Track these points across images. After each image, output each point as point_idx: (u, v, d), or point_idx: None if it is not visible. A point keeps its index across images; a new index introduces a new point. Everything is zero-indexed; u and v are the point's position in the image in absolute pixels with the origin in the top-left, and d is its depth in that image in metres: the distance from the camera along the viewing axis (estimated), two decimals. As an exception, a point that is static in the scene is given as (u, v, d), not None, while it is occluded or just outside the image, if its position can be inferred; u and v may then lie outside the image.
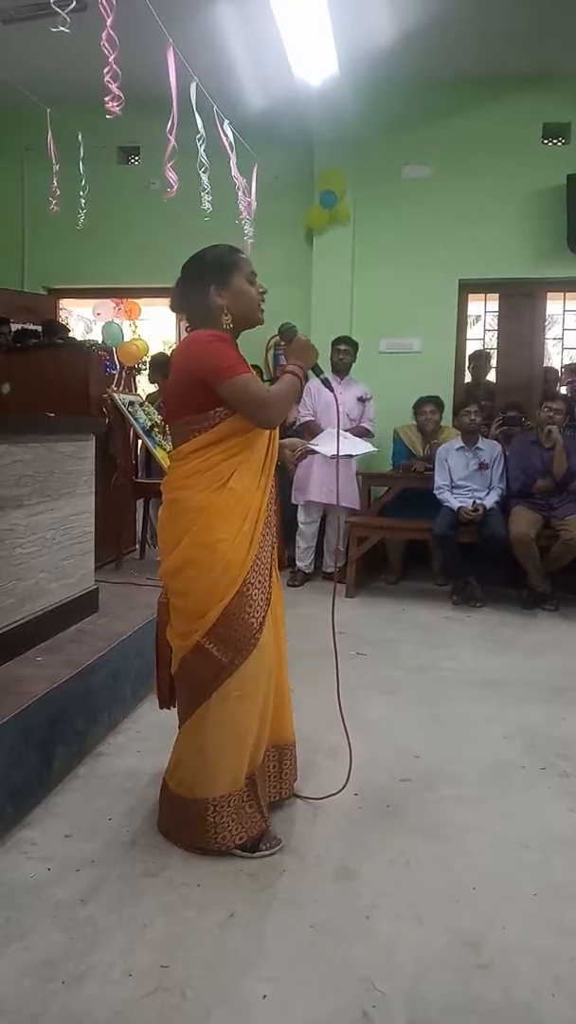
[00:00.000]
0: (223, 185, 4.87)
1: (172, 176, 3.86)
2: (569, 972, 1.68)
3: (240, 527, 2.02)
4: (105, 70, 3.21)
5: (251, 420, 2.01)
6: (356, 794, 2.44)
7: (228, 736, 2.05)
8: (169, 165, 3.84)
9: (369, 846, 2.17)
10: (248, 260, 2.14)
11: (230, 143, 4.66)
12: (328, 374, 2.35)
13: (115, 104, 3.26)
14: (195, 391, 1.99)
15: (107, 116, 3.26)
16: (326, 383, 2.30)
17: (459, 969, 1.68)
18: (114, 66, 3.21)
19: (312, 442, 2.68)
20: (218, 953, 1.72)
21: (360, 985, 1.63)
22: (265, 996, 1.59)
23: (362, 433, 5.37)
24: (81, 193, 4.84)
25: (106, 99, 3.25)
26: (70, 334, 6.36)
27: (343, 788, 2.37)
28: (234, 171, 4.80)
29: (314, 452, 2.61)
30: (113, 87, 3.24)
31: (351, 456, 2.92)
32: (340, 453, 2.42)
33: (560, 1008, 1.58)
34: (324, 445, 2.71)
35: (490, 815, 2.36)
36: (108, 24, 3.14)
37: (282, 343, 2.30)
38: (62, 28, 3.05)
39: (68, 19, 3.04)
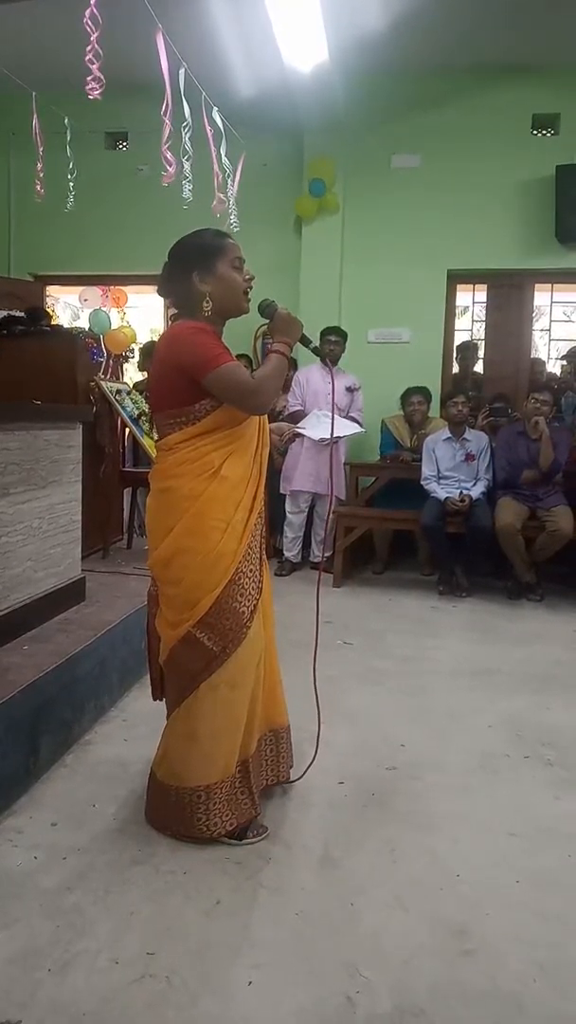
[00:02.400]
0: (212, 172, 4.84)
1: (169, 157, 3.83)
2: (553, 958, 1.70)
3: (233, 515, 2.01)
4: (87, 49, 3.15)
5: (240, 408, 1.99)
6: (342, 783, 2.45)
7: (221, 724, 2.05)
8: (165, 148, 3.80)
9: (355, 834, 2.18)
10: (236, 245, 2.08)
11: (219, 130, 4.62)
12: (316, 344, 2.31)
13: (96, 87, 3.21)
14: (179, 384, 1.97)
15: (88, 98, 3.21)
16: (316, 351, 2.26)
17: (444, 956, 1.70)
18: (96, 46, 3.15)
19: (299, 426, 2.65)
20: (204, 941, 1.72)
21: (345, 972, 1.64)
22: (251, 983, 1.60)
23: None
24: (69, 177, 4.80)
25: (87, 79, 3.19)
26: (53, 321, 6.30)
27: (309, 766, 2.38)
28: (224, 159, 4.77)
29: (301, 436, 2.58)
30: (94, 68, 3.18)
31: (340, 438, 2.89)
32: (327, 435, 2.39)
33: (544, 993, 1.59)
34: (311, 428, 2.68)
35: (475, 804, 2.38)
36: (92, 3, 3.08)
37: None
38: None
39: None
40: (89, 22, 3.11)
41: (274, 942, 1.73)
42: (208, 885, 1.92)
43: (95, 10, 3.11)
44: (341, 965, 1.66)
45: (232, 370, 1.94)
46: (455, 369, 6.64)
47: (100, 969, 1.63)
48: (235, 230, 5.21)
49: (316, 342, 2.29)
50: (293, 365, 5.83)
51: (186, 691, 2.05)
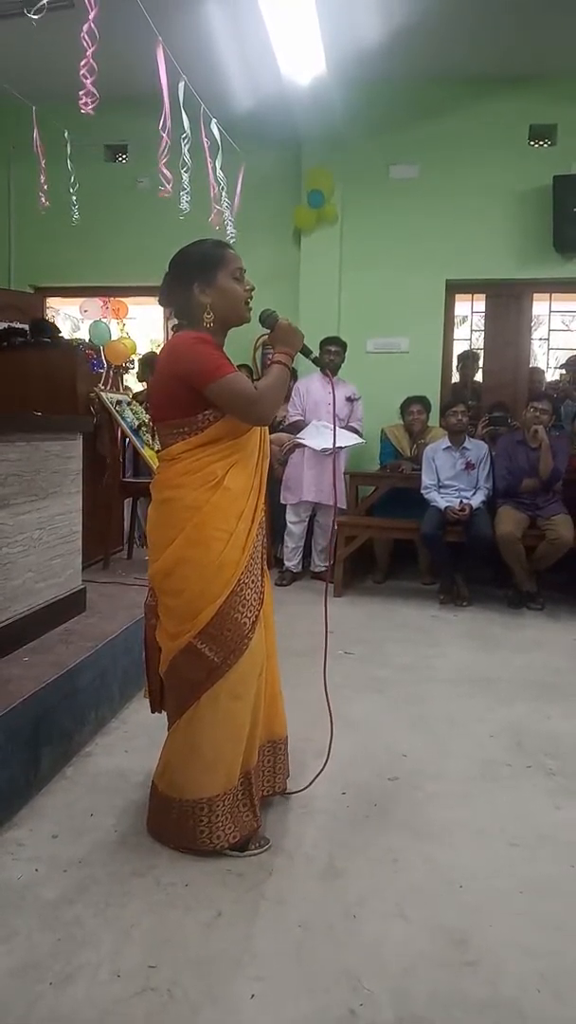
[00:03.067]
0: (209, 185, 4.86)
1: (165, 173, 3.85)
2: (554, 967, 1.69)
3: (235, 526, 2.01)
4: (81, 63, 3.17)
5: (242, 419, 2.00)
6: (344, 793, 2.45)
7: (223, 736, 2.05)
8: (162, 163, 3.82)
9: (356, 844, 2.17)
10: (236, 256, 2.09)
11: (216, 143, 4.65)
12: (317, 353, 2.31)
13: (90, 101, 3.22)
14: (181, 394, 1.98)
15: (81, 111, 3.23)
16: (317, 362, 2.26)
17: (446, 966, 1.69)
18: (91, 60, 3.17)
19: (299, 436, 2.66)
20: (206, 953, 1.72)
21: (347, 983, 1.63)
22: (253, 995, 1.60)
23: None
24: (72, 190, 4.82)
25: (80, 93, 3.21)
26: (59, 334, 6.32)
27: (317, 776, 2.38)
28: (219, 172, 4.79)
29: (302, 446, 2.58)
30: (88, 83, 3.20)
31: (341, 448, 2.89)
32: (328, 445, 2.40)
33: (545, 1003, 1.59)
34: (312, 438, 2.68)
35: (477, 813, 2.37)
36: (91, 18, 3.10)
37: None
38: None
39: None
40: (86, 36, 3.13)
41: (276, 954, 1.72)
42: (209, 897, 1.92)
43: (92, 25, 3.13)
44: (343, 976, 1.65)
45: (234, 380, 1.95)
46: (456, 378, 6.65)
47: (101, 982, 1.62)
48: (232, 240, 5.23)
49: (316, 352, 2.29)
50: (293, 375, 5.85)
51: (187, 702, 2.05)
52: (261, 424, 2.08)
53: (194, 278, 2.04)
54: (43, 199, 4.64)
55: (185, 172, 4.34)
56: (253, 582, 2.07)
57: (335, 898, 1.93)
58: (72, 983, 1.61)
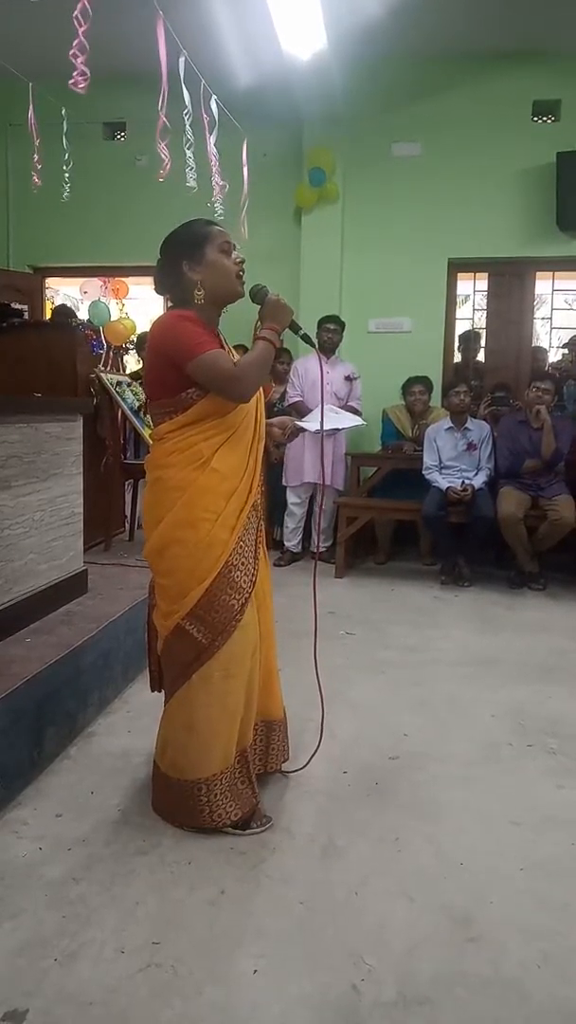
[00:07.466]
0: (209, 161, 4.79)
1: (164, 153, 3.80)
2: (555, 946, 1.70)
3: (223, 507, 2.01)
4: (74, 43, 3.12)
5: (224, 396, 1.98)
6: (345, 772, 2.46)
7: (217, 714, 2.06)
8: (163, 144, 3.77)
9: (358, 824, 2.18)
10: (223, 231, 2.08)
11: (215, 120, 4.58)
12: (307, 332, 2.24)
13: (82, 80, 3.18)
14: (166, 373, 1.98)
15: (77, 90, 3.19)
16: (306, 338, 2.22)
17: (448, 944, 1.70)
18: (83, 39, 3.12)
19: (301, 420, 2.64)
20: (209, 930, 1.73)
21: (350, 960, 1.65)
22: (256, 972, 1.61)
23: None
24: (64, 168, 4.76)
25: (74, 74, 3.17)
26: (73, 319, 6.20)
27: (312, 756, 2.39)
28: (212, 148, 4.71)
29: (303, 430, 2.56)
30: (79, 62, 3.15)
31: (338, 430, 2.87)
32: (327, 427, 2.38)
33: (546, 980, 1.60)
34: (312, 422, 2.67)
35: (478, 793, 2.38)
36: None
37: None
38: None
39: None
40: (79, 16, 3.07)
41: (279, 931, 1.74)
42: (213, 875, 1.93)
43: (86, 3, 3.06)
44: (346, 953, 1.67)
45: (214, 358, 1.94)
46: (457, 358, 6.61)
47: (106, 959, 1.64)
48: (220, 217, 5.16)
49: (306, 329, 2.23)
50: (286, 354, 5.84)
51: (179, 682, 2.06)
52: (243, 401, 2.04)
53: (182, 257, 2.04)
54: (35, 178, 4.58)
55: (189, 149, 4.27)
56: (244, 565, 2.06)
57: (337, 877, 1.94)
58: (77, 960, 1.63)
